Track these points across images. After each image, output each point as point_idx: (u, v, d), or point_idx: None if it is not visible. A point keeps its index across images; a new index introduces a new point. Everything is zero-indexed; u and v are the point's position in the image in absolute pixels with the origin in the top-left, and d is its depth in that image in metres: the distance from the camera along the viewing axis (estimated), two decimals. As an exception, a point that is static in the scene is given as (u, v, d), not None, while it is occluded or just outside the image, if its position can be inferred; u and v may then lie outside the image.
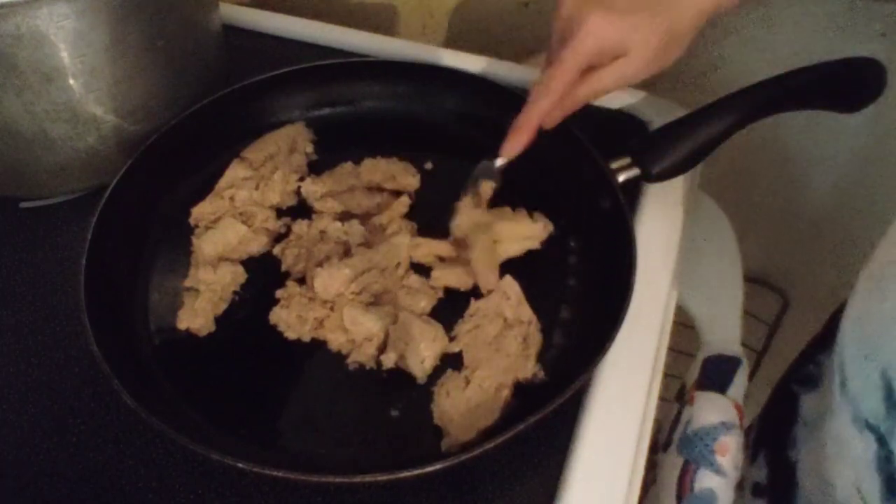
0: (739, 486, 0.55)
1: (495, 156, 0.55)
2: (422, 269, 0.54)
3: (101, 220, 0.52)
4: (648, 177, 0.55)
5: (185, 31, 0.58)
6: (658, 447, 0.57)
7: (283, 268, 0.55)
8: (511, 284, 0.52)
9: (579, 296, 0.54)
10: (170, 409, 0.48)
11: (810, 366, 0.60)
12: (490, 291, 0.52)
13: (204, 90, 0.61)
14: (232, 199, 0.58)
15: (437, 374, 0.49)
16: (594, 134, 0.56)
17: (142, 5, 0.52)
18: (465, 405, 0.47)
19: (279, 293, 0.53)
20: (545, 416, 0.43)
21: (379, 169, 0.60)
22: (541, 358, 0.50)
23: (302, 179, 0.60)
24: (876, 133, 0.75)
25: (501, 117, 0.54)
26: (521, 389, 0.49)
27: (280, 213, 0.59)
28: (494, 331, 0.50)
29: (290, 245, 0.56)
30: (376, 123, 0.65)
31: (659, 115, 0.63)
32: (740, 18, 0.72)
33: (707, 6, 0.49)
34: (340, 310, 0.51)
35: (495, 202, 0.57)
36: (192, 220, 0.57)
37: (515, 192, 0.57)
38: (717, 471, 0.53)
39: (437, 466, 0.42)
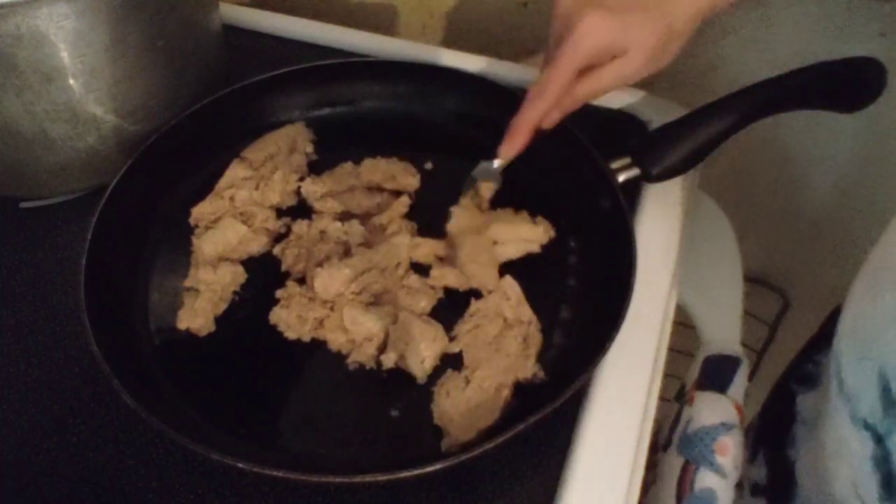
0: (738, 486, 0.55)
1: (493, 157, 0.55)
2: (422, 269, 0.54)
3: (101, 220, 0.52)
4: (648, 177, 0.55)
5: (185, 31, 0.58)
6: (658, 447, 0.57)
7: (283, 268, 0.55)
8: (511, 284, 0.52)
9: (579, 296, 0.54)
10: (170, 409, 0.48)
11: (809, 365, 0.60)
12: (490, 291, 0.52)
13: (204, 90, 0.61)
14: (232, 199, 0.58)
15: (437, 374, 0.49)
16: (594, 134, 0.56)
17: (142, 5, 0.52)
18: (465, 405, 0.47)
19: (279, 293, 0.53)
20: (545, 416, 0.43)
21: (379, 169, 0.60)
22: (541, 358, 0.50)
23: (302, 179, 0.60)
24: (876, 133, 0.75)
25: (501, 117, 0.54)
26: (521, 389, 0.49)
27: (280, 213, 0.59)
28: (494, 331, 0.50)
29: (290, 245, 0.56)
30: (376, 123, 0.65)
31: (659, 115, 0.63)
32: (740, 18, 0.72)
33: (704, 5, 0.49)
34: (340, 310, 0.51)
35: (496, 203, 0.57)
36: (192, 220, 0.57)
37: (515, 193, 0.57)
38: (717, 471, 0.53)
39: (437, 466, 0.42)
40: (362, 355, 0.50)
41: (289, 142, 0.62)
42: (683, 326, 0.62)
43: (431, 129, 0.64)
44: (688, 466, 0.53)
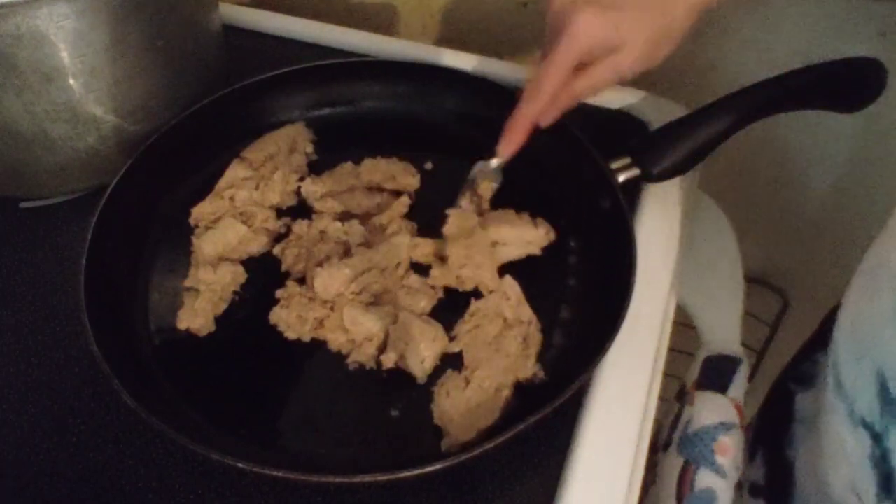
0: (737, 487, 0.55)
1: (492, 156, 0.55)
2: (422, 269, 0.54)
3: (101, 220, 0.52)
4: (648, 177, 0.55)
5: (185, 31, 0.58)
6: (658, 447, 0.57)
7: (283, 268, 0.55)
8: (511, 284, 0.52)
9: (579, 296, 0.54)
10: (170, 409, 0.48)
11: (807, 364, 0.60)
12: (490, 291, 0.52)
13: (204, 90, 0.61)
14: (232, 199, 0.58)
15: (437, 374, 0.49)
16: (594, 134, 0.56)
17: (142, 5, 0.52)
18: (465, 405, 0.47)
19: (279, 293, 0.53)
20: (545, 416, 0.43)
21: (379, 169, 0.60)
22: (541, 358, 0.50)
23: (302, 179, 0.60)
24: (876, 133, 0.75)
25: (501, 117, 0.54)
26: (521, 389, 0.49)
27: (280, 213, 0.59)
28: (494, 331, 0.50)
29: (290, 245, 0.56)
30: (376, 123, 0.65)
31: (659, 115, 0.63)
32: (740, 18, 0.72)
33: (698, 0, 0.49)
34: (340, 310, 0.51)
35: (496, 203, 0.57)
36: (192, 220, 0.57)
37: (516, 193, 0.57)
38: (717, 471, 0.53)
39: (437, 466, 0.42)
40: (362, 355, 0.50)
41: (289, 142, 0.62)
42: (683, 326, 0.62)
43: (431, 129, 0.64)
44: (688, 466, 0.53)
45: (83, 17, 0.49)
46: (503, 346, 0.50)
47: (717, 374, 0.58)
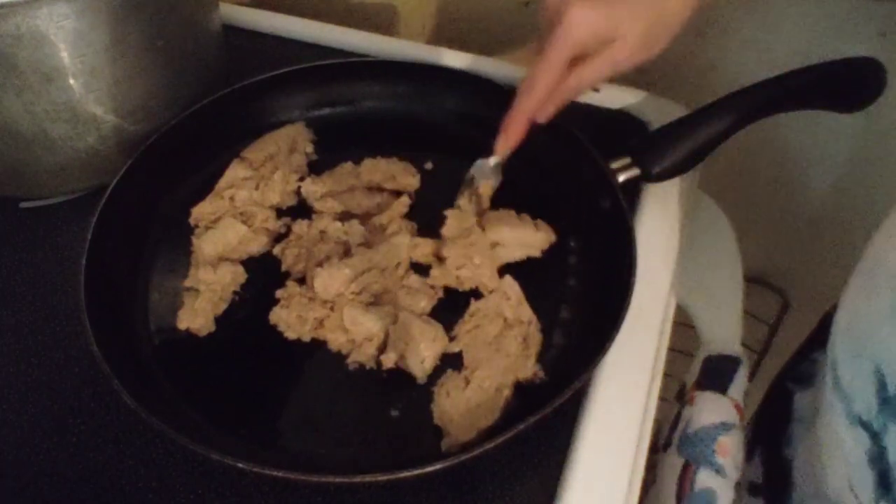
0: (736, 486, 0.55)
1: (490, 154, 0.55)
2: (422, 269, 0.54)
3: (101, 220, 0.52)
4: (648, 177, 0.55)
5: (185, 31, 0.58)
6: (658, 447, 0.57)
7: (283, 268, 0.55)
8: (511, 284, 0.52)
9: (579, 296, 0.54)
10: (170, 409, 0.48)
11: (805, 364, 0.60)
12: (490, 291, 0.52)
13: (204, 90, 0.61)
14: (232, 199, 0.58)
15: (437, 374, 0.49)
16: (594, 134, 0.56)
17: (142, 5, 0.52)
18: (465, 405, 0.47)
19: (279, 293, 0.53)
20: (545, 416, 0.43)
21: (379, 169, 0.60)
22: (541, 358, 0.50)
23: (302, 179, 0.60)
24: (876, 133, 0.75)
25: (501, 117, 0.53)
26: (521, 389, 0.49)
27: (280, 213, 0.59)
28: (494, 331, 0.50)
29: (290, 245, 0.56)
30: (376, 123, 0.65)
31: (659, 115, 0.63)
32: (740, 18, 0.72)
33: None
34: (340, 310, 0.51)
35: (497, 203, 0.57)
36: (192, 220, 0.57)
37: (516, 193, 0.57)
38: (718, 471, 0.53)
39: (437, 466, 0.42)
40: (362, 355, 0.50)
41: (289, 142, 0.62)
42: (683, 326, 0.62)
43: (431, 129, 0.64)
44: (688, 466, 0.53)
45: (83, 17, 0.49)
46: (503, 346, 0.50)
47: (717, 374, 0.58)
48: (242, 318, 0.54)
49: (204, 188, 0.59)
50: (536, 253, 0.55)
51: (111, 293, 0.52)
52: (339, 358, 0.51)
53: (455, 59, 0.68)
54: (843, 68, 0.55)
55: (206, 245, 0.55)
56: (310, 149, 0.63)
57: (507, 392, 0.48)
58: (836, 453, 0.46)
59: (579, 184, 0.57)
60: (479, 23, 0.82)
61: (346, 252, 0.55)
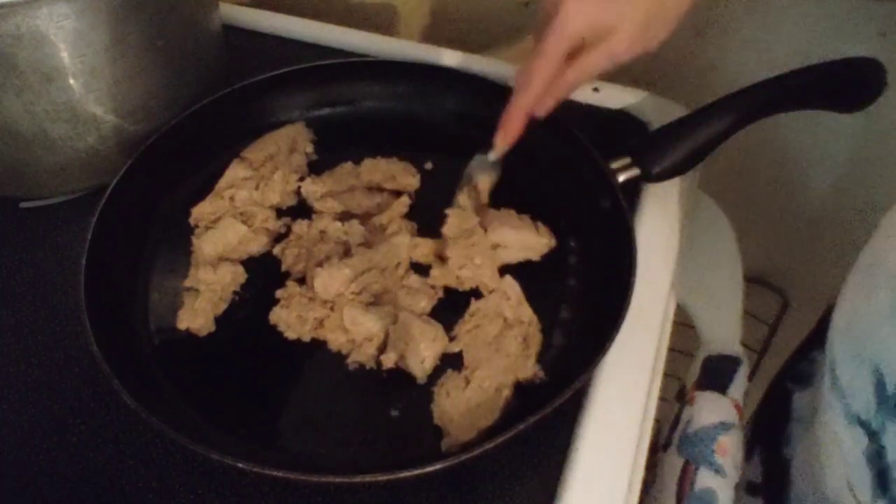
0: (735, 486, 0.55)
1: (489, 150, 0.55)
2: (422, 269, 0.54)
3: (101, 220, 0.52)
4: (648, 177, 0.55)
5: (185, 31, 0.58)
6: (658, 447, 0.57)
7: (283, 268, 0.55)
8: (511, 284, 0.52)
9: (579, 296, 0.54)
10: (170, 409, 0.48)
11: (804, 363, 0.60)
12: (490, 291, 0.52)
13: (204, 90, 0.61)
14: (232, 199, 0.58)
15: (437, 374, 0.49)
16: (594, 134, 0.56)
17: (142, 5, 0.52)
18: (465, 405, 0.47)
19: (279, 293, 0.53)
20: (545, 416, 0.43)
21: (379, 169, 0.60)
22: (541, 358, 0.50)
23: (302, 179, 0.60)
24: (876, 133, 0.75)
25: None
26: (521, 389, 0.49)
27: (280, 213, 0.59)
28: (494, 331, 0.50)
29: (290, 245, 0.56)
30: (376, 123, 0.65)
31: (659, 115, 0.63)
32: (740, 18, 0.72)
33: None
34: (340, 310, 0.51)
35: (497, 203, 0.57)
36: (192, 220, 0.57)
37: (516, 193, 0.57)
38: (718, 471, 0.53)
39: (437, 466, 0.42)
40: (362, 355, 0.50)
41: (289, 142, 0.62)
42: (683, 326, 0.62)
43: (431, 129, 0.64)
44: (688, 466, 0.53)
45: (83, 17, 0.49)
46: (503, 346, 0.50)
47: (717, 373, 0.58)
48: (242, 318, 0.54)
49: (204, 188, 0.59)
50: (536, 256, 0.55)
51: (111, 293, 0.52)
52: (339, 358, 0.51)
53: (455, 58, 0.68)
54: (843, 68, 0.55)
55: (206, 245, 0.55)
56: (310, 149, 0.63)
57: (507, 392, 0.48)
58: (835, 452, 0.46)
59: (579, 184, 0.57)
60: (478, 23, 0.82)
61: (346, 252, 0.55)
